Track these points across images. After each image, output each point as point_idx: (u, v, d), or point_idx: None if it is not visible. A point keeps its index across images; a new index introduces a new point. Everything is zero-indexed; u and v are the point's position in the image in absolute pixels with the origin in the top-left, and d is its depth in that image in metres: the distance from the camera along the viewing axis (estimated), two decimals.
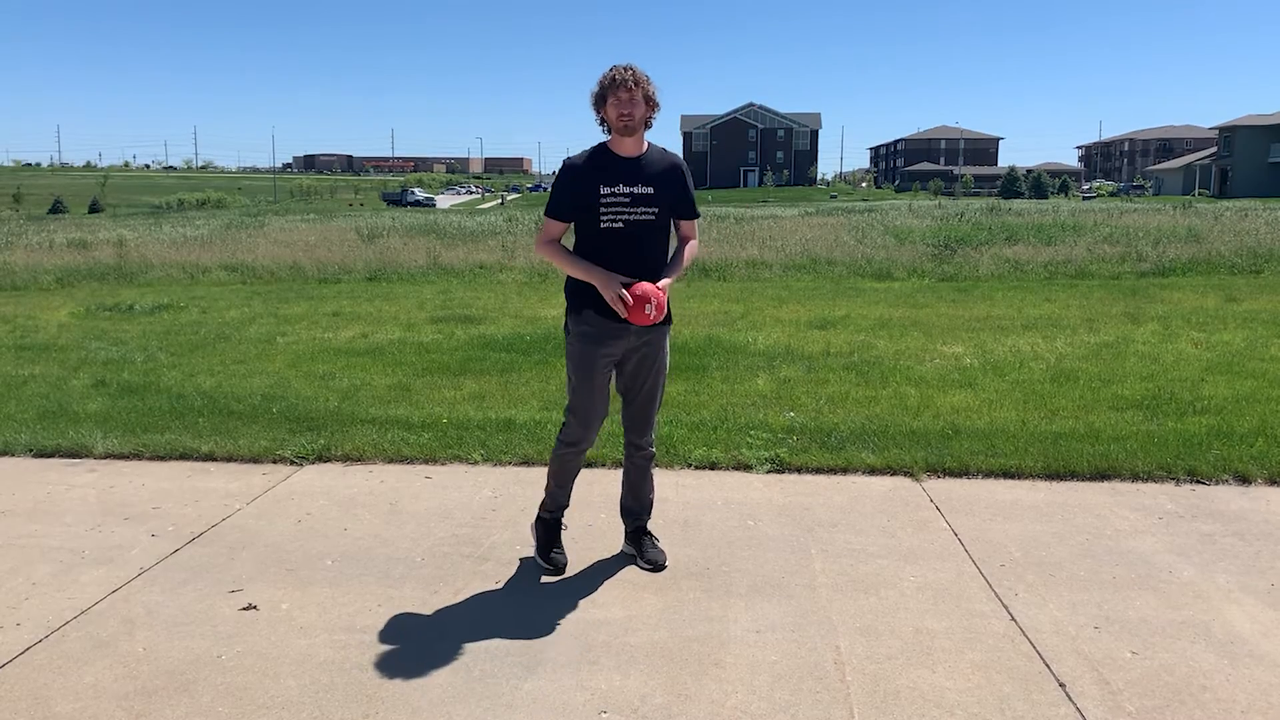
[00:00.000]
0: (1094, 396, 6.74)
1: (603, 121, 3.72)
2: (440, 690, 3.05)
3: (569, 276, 3.77)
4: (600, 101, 3.68)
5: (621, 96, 3.62)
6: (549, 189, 3.66)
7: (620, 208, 3.68)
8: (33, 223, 41.07)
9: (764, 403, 6.65)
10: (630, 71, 3.64)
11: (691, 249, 3.93)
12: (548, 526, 4.06)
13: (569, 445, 3.91)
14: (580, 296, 3.75)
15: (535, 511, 4.20)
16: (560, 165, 3.78)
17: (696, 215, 3.97)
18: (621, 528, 4.38)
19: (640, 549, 4.08)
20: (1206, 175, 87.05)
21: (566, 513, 4.18)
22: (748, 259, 17.70)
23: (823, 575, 3.89)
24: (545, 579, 3.88)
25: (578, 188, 3.68)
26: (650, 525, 4.44)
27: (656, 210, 3.74)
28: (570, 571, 3.95)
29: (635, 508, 4.14)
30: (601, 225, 3.68)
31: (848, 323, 10.45)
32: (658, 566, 4.01)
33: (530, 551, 4.13)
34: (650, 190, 3.72)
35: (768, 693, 3.01)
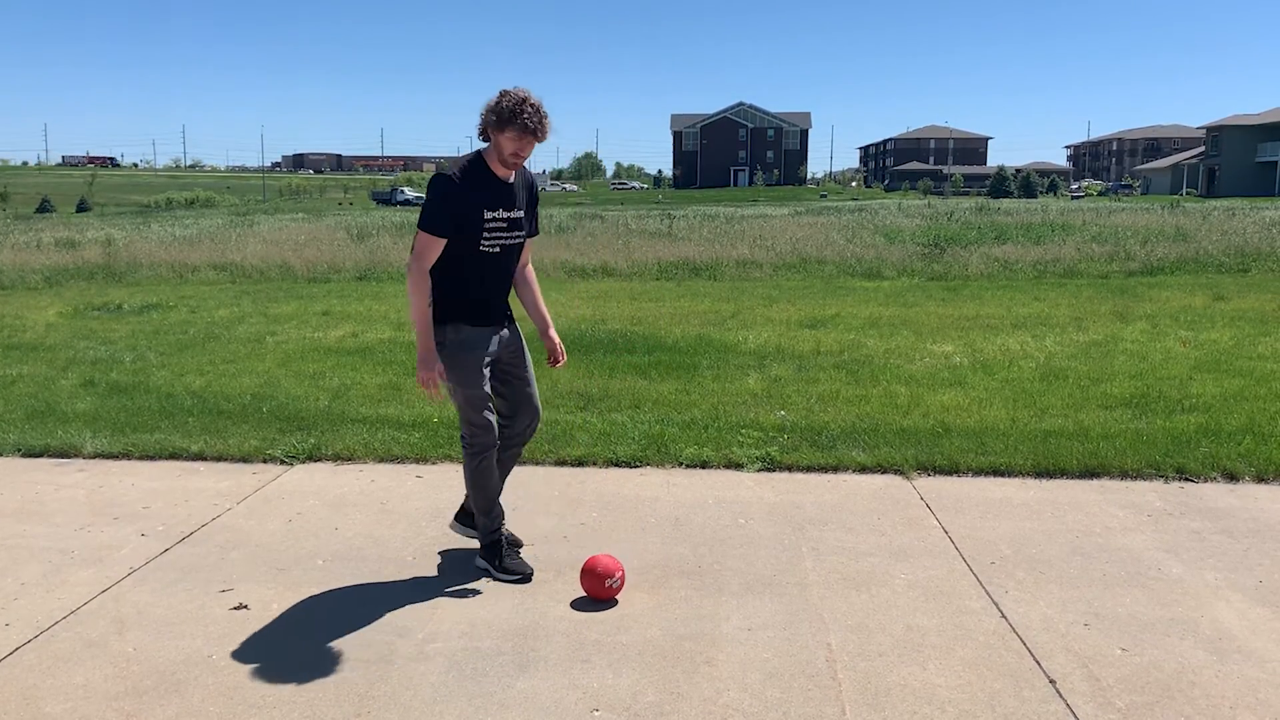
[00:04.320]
0: (1083, 395, 6.77)
1: (486, 136, 3.65)
2: (432, 689, 3.04)
3: (446, 288, 3.72)
4: (499, 125, 3.57)
5: (526, 140, 3.60)
6: (429, 199, 3.61)
7: (500, 232, 3.74)
8: (20, 222, 40.86)
9: (755, 402, 6.66)
10: (540, 116, 3.58)
11: (535, 279, 4.11)
12: (497, 546, 3.93)
13: (484, 451, 3.84)
14: (448, 309, 3.74)
15: (526, 511, 4.20)
16: (438, 178, 3.62)
17: (538, 233, 4.08)
18: (612, 527, 4.39)
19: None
20: (1194, 175, 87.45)
21: (562, 516, 4.18)
22: (738, 258, 17.72)
23: (814, 573, 3.90)
24: (538, 578, 3.88)
25: (462, 207, 3.62)
26: (641, 524, 4.45)
27: (524, 233, 3.87)
28: (563, 570, 3.95)
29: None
30: (481, 248, 3.71)
31: (838, 322, 10.47)
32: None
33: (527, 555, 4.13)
34: (521, 214, 3.83)
35: (760, 690, 3.02)
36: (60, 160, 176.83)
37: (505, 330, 3.91)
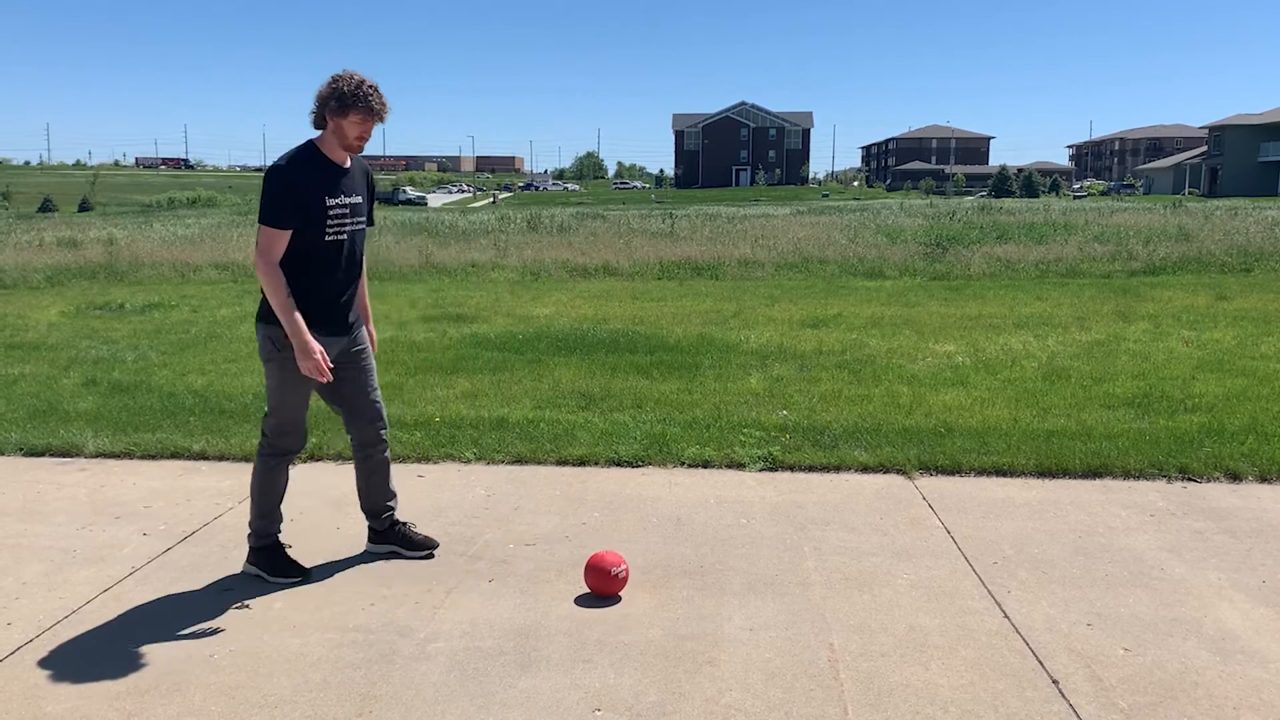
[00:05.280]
0: (1086, 394, 6.76)
1: (323, 122, 3.61)
2: (434, 689, 3.04)
3: (293, 284, 3.61)
4: (341, 109, 3.53)
5: (370, 122, 3.59)
6: (268, 193, 3.55)
7: (344, 219, 3.70)
8: (22, 221, 40.88)
9: (757, 401, 6.65)
10: (382, 97, 3.58)
11: (365, 270, 4.02)
12: (271, 550, 3.88)
13: (285, 454, 3.81)
14: (314, 305, 3.66)
15: (528, 511, 4.18)
16: (274, 170, 3.57)
17: (374, 223, 4.05)
18: (614, 526, 4.38)
19: (408, 540, 4.07)
20: (1196, 174, 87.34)
21: (564, 516, 4.17)
22: (740, 258, 17.71)
23: (816, 573, 3.89)
24: (540, 577, 3.87)
25: (303, 197, 3.57)
26: (643, 524, 4.45)
27: (364, 219, 3.85)
28: (564, 570, 3.94)
29: (385, 502, 4.08)
30: (327, 238, 3.66)
31: (840, 321, 10.46)
32: (434, 546, 4.08)
33: (518, 547, 4.12)
34: (360, 199, 3.80)
35: (762, 690, 3.01)
36: (135, 162, 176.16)
37: (348, 338, 3.86)
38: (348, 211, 3.71)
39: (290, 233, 3.57)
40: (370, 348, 4.02)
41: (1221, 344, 8.75)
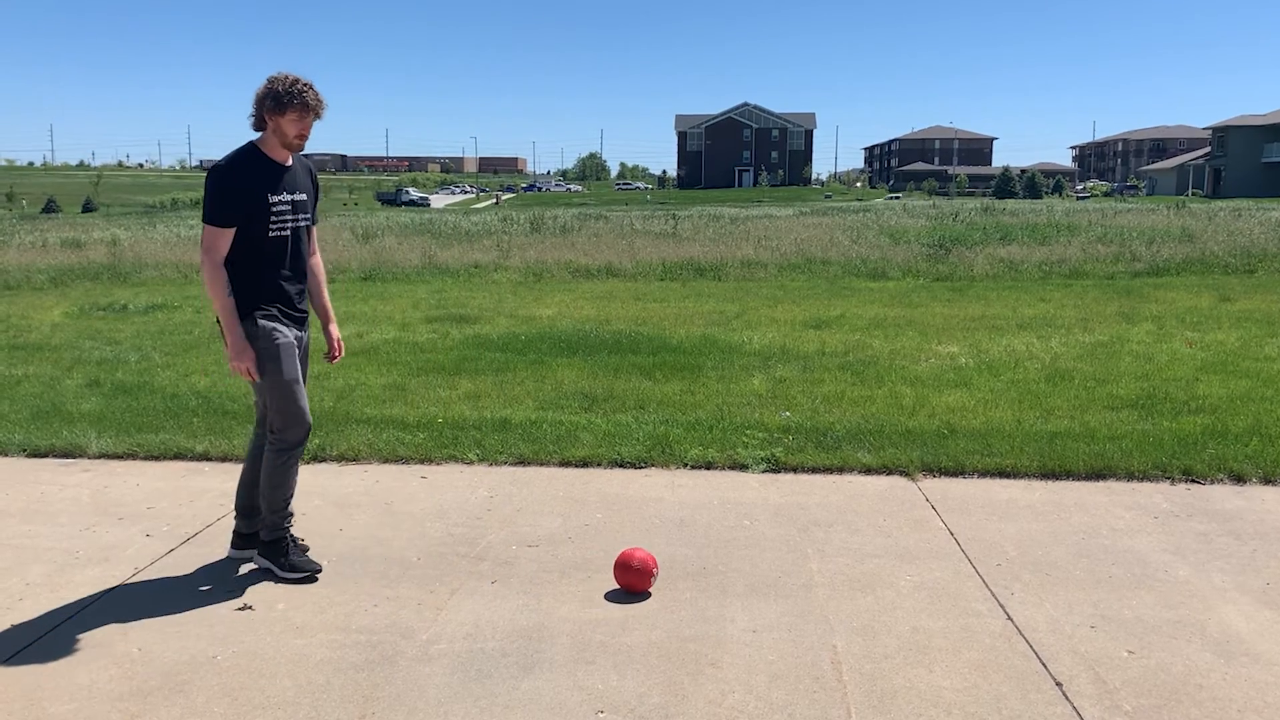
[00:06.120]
0: (1089, 396, 6.75)
1: (263, 123, 3.68)
2: (437, 690, 3.04)
3: (243, 280, 3.68)
4: (279, 108, 3.61)
5: (308, 120, 3.67)
6: (210, 193, 3.65)
7: (287, 216, 3.76)
8: (26, 222, 40.95)
9: (759, 402, 6.65)
10: (317, 94, 3.66)
11: (322, 270, 4.11)
12: (283, 543, 3.88)
13: (295, 446, 3.82)
14: (258, 302, 3.71)
15: (530, 512, 4.18)
16: (215, 170, 3.66)
17: (317, 221, 4.11)
18: (616, 528, 4.37)
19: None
20: (1200, 175, 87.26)
21: (566, 517, 4.17)
22: (742, 259, 17.71)
23: (819, 575, 3.89)
24: (543, 579, 3.87)
25: (246, 196, 3.64)
26: (646, 525, 4.44)
27: (309, 216, 3.91)
28: (567, 571, 3.94)
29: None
30: (270, 234, 3.72)
31: (843, 322, 10.45)
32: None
33: (520, 548, 4.12)
34: (304, 197, 3.86)
35: (765, 693, 3.01)
36: (198, 164, 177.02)
37: (305, 333, 3.95)
38: (290, 208, 3.78)
39: (233, 231, 3.66)
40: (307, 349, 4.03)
41: (1225, 345, 8.73)
